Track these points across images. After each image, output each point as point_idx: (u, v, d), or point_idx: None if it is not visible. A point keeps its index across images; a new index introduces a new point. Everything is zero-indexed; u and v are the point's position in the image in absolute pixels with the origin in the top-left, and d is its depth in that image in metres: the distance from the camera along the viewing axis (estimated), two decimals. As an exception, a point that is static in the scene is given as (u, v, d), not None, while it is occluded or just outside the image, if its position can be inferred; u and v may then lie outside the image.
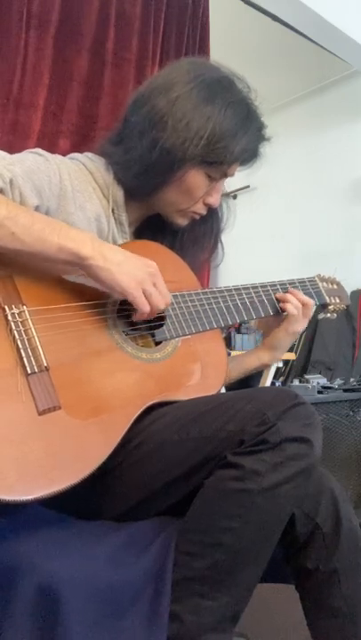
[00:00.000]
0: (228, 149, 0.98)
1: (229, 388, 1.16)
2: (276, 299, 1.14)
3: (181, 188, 1.02)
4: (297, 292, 1.15)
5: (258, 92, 1.05)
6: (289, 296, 1.14)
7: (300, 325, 1.15)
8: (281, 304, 1.14)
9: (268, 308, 1.13)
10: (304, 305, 1.14)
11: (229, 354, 1.17)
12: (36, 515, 0.87)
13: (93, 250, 0.85)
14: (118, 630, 0.72)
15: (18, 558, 0.73)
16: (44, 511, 0.90)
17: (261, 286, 1.14)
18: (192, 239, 1.16)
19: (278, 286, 1.16)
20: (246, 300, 1.11)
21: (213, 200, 1.07)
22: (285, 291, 1.15)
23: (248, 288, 1.11)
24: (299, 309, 1.13)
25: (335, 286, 1.29)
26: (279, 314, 1.14)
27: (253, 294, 1.12)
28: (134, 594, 0.75)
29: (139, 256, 0.91)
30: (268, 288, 1.15)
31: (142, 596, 0.75)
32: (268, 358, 1.20)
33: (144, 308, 0.89)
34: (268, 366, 1.22)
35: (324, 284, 1.25)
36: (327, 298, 1.23)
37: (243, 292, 1.10)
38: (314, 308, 1.18)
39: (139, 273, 0.89)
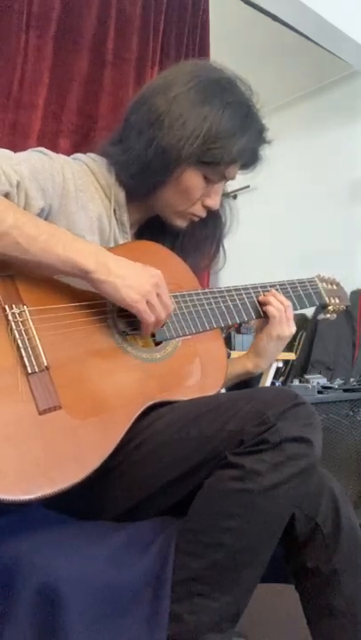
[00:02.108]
0: (225, 150, 0.98)
1: (229, 387, 1.16)
2: (259, 302, 1.11)
3: (178, 189, 1.02)
4: (277, 293, 1.11)
5: (259, 94, 1.04)
6: (270, 298, 1.10)
7: (285, 329, 1.11)
8: (263, 307, 1.10)
9: (250, 312, 1.09)
10: (286, 307, 1.10)
11: (229, 354, 1.17)
12: (36, 515, 0.87)
13: (97, 263, 0.85)
14: (118, 630, 0.72)
15: (18, 558, 0.73)
16: (44, 511, 0.90)
17: (253, 288, 1.12)
18: (193, 243, 1.15)
19: (269, 288, 1.14)
20: (238, 301, 1.09)
21: (212, 202, 1.06)
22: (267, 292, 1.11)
23: (248, 288, 1.11)
24: (281, 311, 1.10)
25: (335, 287, 1.29)
26: (262, 317, 1.10)
27: (245, 296, 1.10)
28: (134, 594, 0.75)
29: (143, 265, 0.91)
30: (260, 290, 1.13)
31: (142, 595, 0.75)
32: (252, 365, 1.14)
33: (149, 319, 0.90)
34: (252, 374, 1.15)
35: (324, 284, 1.25)
36: (327, 298, 1.23)
37: (243, 292, 1.10)
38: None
39: (143, 286, 0.89)
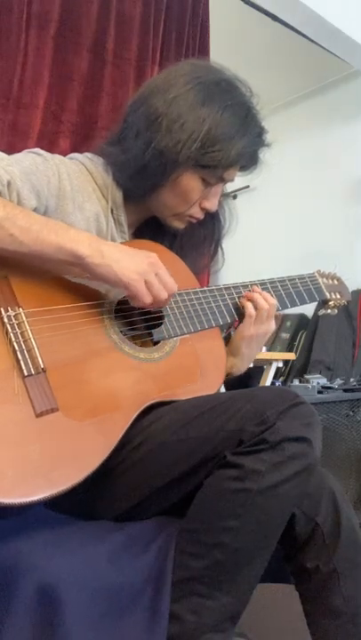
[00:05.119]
0: (224, 153, 0.97)
1: (229, 388, 1.16)
2: (241, 300, 1.07)
3: (176, 192, 1.02)
4: (262, 292, 1.08)
5: (259, 95, 1.03)
6: (255, 295, 1.07)
7: (260, 327, 1.06)
8: (241, 301, 1.07)
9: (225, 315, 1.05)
10: (270, 305, 1.07)
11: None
12: (36, 515, 0.87)
13: (91, 248, 0.85)
14: (118, 630, 0.72)
15: (18, 558, 0.73)
16: (44, 511, 0.90)
17: (252, 285, 1.11)
18: (192, 243, 1.14)
19: (268, 285, 1.13)
20: (237, 300, 1.08)
21: (210, 205, 1.05)
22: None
23: (247, 286, 1.11)
24: (261, 309, 1.06)
25: (335, 282, 1.29)
26: (236, 319, 1.06)
27: (233, 295, 1.08)
28: (134, 594, 0.75)
29: (137, 249, 0.91)
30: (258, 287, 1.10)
31: (142, 595, 0.76)
32: (228, 366, 1.08)
33: (146, 299, 0.89)
34: (231, 375, 1.11)
35: (324, 279, 1.24)
36: (327, 294, 1.22)
37: (241, 289, 1.10)
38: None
39: (139, 265, 0.88)
